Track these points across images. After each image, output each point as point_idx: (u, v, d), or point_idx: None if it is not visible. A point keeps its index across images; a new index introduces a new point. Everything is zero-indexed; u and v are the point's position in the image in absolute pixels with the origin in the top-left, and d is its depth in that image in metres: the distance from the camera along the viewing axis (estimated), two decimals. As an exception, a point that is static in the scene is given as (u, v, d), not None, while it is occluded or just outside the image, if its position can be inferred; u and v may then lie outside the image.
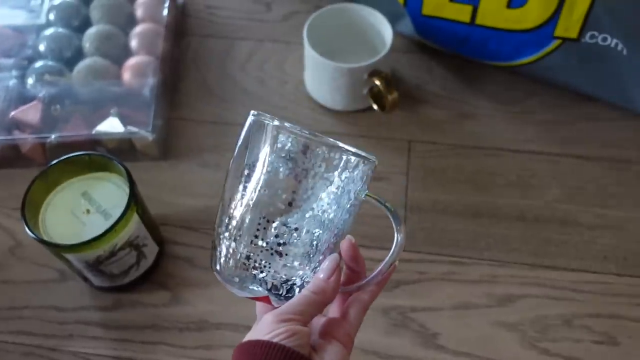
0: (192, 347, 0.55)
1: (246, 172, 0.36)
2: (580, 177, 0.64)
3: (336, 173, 0.35)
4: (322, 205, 0.35)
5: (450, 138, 0.67)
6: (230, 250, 0.36)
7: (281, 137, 0.35)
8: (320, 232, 0.36)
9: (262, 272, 0.36)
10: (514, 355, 0.54)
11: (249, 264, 0.36)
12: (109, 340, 0.55)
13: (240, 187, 0.36)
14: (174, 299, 0.58)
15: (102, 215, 0.52)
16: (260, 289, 0.37)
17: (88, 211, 0.53)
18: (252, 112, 0.37)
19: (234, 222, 0.36)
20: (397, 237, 0.37)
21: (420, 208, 0.62)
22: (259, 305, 0.39)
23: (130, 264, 0.54)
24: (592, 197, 0.63)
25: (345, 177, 0.35)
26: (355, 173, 0.36)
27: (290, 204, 0.35)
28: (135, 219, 0.52)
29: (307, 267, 0.37)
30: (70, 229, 0.52)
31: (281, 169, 0.35)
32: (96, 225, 0.51)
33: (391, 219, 0.37)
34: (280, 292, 0.37)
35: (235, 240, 0.36)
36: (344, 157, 0.35)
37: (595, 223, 0.61)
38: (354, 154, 0.35)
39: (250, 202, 0.35)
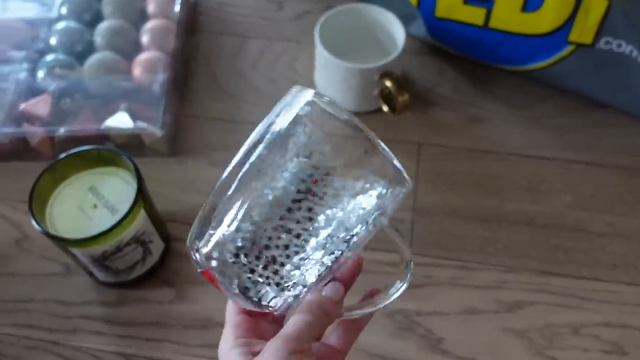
0: (197, 345, 0.55)
1: (269, 167, 0.33)
2: (592, 183, 0.64)
3: (364, 193, 0.33)
4: (341, 219, 0.33)
5: (460, 141, 0.67)
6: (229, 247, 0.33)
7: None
8: (334, 243, 0.33)
9: (257, 276, 0.33)
10: (521, 362, 0.54)
11: (246, 262, 0.33)
12: (113, 336, 0.55)
13: (254, 184, 0.33)
14: (179, 296, 0.57)
15: (109, 210, 0.52)
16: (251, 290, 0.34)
17: (95, 206, 0.52)
18: (312, 92, 0.33)
19: (242, 218, 0.33)
20: (403, 284, 0.35)
21: (429, 211, 0.62)
22: (231, 306, 0.37)
23: (136, 259, 0.54)
24: (603, 204, 0.62)
25: (375, 199, 0.33)
26: (386, 199, 0.33)
27: (307, 211, 0.32)
28: (142, 214, 0.52)
29: (305, 280, 0.34)
30: (77, 223, 0.51)
31: (302, 175, 0.32)
32: (103, 220, 0.51)
33: (404, 264, 0.35)
34: (271, 302, 0.34)
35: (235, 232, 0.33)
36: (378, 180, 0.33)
37: (606, 230, 0.60)
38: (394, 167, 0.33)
39: (263, 202, 0.33)
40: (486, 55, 0.69)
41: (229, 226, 0.33)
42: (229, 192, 0.34)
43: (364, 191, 0.33)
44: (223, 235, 0.33)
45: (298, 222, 0.33)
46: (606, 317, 0.56)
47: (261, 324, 0.37)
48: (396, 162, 0.33)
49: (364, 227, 0.34)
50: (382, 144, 0.33)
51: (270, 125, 0.34)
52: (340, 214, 0.33)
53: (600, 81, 0.65)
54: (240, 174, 0.34)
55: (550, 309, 0.56)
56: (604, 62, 0.63)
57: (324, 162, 0.32)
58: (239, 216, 0.33)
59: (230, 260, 0.33)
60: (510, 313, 0.56)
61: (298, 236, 0.33)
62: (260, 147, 0.33)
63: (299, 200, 0.33)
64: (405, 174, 0.33)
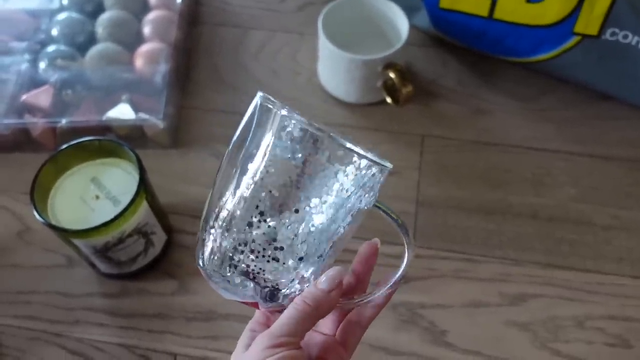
0: (199, 337, 0.54)
1: (244, 161, 0.32)
2: (596, 176, 0.63)
3: (344, 175, 0.32)
4: (324, 207, 0.32)
5: (464, 133, 0.66)
6: (217, 246, 0.33)
7: (288, 128, 0.31)
8: (319, 235, 0.33)
9: (248, 272, 0.33)
10: (525, 355, 0.53)
11: (236, 262, 0.33)
12: (115, 327, 0.55)
13: (236, 177, 0.32)
14: (182, 288, 0.57)
15: (111, 201, 0.52)
16: (245, 290, 0.34)
17: (97, 197, 0.52)
18: (259, 93, 0.33)
19: (224, 214, 0.33)
20: (408, 254, 0.34)
21: (432, 204, 0.62)
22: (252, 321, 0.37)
23: (138, 251, 0.54)
24: (608, 197, 0.62)
25: (354, 181, 0.32)
26: (366, 178, 0.32)
27: (288, 201, 0.32)
28: (144, 205, 0.51)
29: (298, 272, 0.33)
30: (79, 214, 0.51)
31: (284, 162, 0.31)
32: (105, 211, 0.50)
33: (400, 234, 0.34)
34: (266, 296, 0.34)
35: (223, 234, 0.33)
36: (355, 160, 0.32)
37: (611, 223, 0.60)
38: (366, 158, 0.32)
39: (245, 195, 0.32)
40: (490, 47, 0.69)
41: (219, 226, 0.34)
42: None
43: (337, 174, 0.32)
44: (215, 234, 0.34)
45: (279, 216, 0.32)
46: (611, 310, 0.55)
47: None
48: (363, 152, 0.32)
49: (346, 212, 0.33)
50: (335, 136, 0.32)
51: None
52: (316, 200, 0.32)
53: (606, 73, 0.65)
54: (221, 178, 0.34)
55: (555, 301, 0.56)
56: (609, 53, 0.62)
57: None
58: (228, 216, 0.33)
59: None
60: (514, 306, 0.56)
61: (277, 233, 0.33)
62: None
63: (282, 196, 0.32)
64: (378, 160, 0.33)
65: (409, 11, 0.67)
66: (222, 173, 0.33)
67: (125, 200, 0.50)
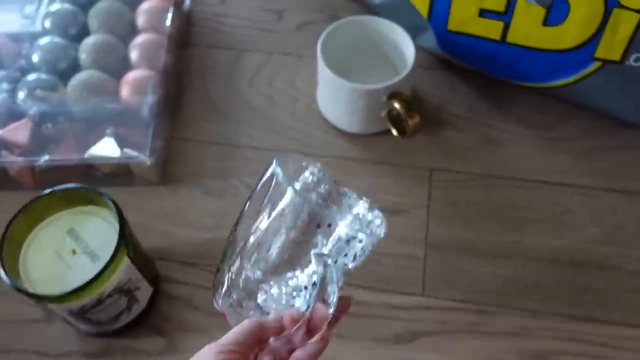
0: (188, 403, 0.50)
1: (262, 216, 0.36)
2: (620, 214, 0.58)
3: (347, 229, 0.36)
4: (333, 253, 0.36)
5: (475, 166, 0.61)
6: (237, 283, 0.38)
7: (298, 199, 0.36)
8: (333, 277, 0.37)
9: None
10: (546, 420, 0.49)
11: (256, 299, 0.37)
12: (96, 392, 0.50)
13: (257, 222, 0.37)
14: (170, 346, 0.52)
15: (89, 256, 0.47)
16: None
17: (74, 251, 0.47)
18: (274, 161, 0.37)
19: (247, 251, 0.37)
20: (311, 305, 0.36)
21: (442, 246, 0.57)
22: None
23: (120, 310, 0.49)
24: (634, 237, 0.57)
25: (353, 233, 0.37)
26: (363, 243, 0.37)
27: (300, 249, 0.36)
28: (125, 262, 0.47)
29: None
30: (54, 271, 0.46)
31: (295, 218, 0.36)
32: (82, 269, 0.46)
33: (325, 280, 0.36)
34: None
35: (248, 272, 0.37)
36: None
37: (638, 268, 0.55)
38: (364, 233, 0.36)
39: (266, 239, 0.36)
40: (502, 71, 0.64)
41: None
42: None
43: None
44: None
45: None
46: (641, 369, 0.50)
47: None
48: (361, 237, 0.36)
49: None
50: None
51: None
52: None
53: (629, 100, 0.60)
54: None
55: (580, 359, 0.51)
56: (633, 79, 0.57)
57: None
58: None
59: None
60: (534, 364, 0.51)
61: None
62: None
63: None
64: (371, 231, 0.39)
65: (415, 31, 0.63)
66: (245, 216, 0.38)
67: (105, 255, 0.45)
